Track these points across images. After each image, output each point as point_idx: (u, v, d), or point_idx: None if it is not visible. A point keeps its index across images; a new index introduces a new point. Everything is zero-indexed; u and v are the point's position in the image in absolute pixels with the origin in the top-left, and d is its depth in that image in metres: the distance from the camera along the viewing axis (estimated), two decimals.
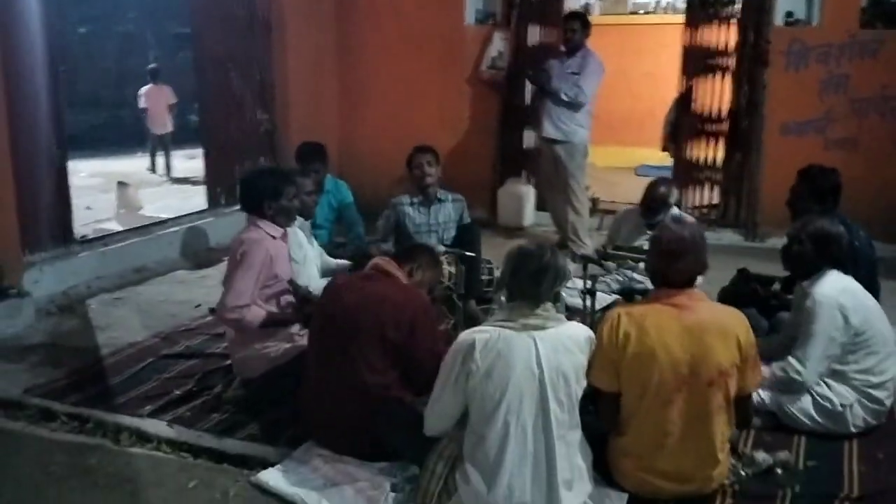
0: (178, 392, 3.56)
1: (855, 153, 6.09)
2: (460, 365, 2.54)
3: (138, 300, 4.91)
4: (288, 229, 3.84)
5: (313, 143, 4.92)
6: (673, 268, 2.62)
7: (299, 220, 4.09)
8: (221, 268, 5.50)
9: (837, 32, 6.12)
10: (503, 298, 2.72)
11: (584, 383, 2.59)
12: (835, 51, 6.13)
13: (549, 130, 5.88)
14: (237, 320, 3.30)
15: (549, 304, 2.58)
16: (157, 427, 3.26)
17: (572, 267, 4.50)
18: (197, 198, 7.10)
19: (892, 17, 6.03)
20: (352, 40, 7.32)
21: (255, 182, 3.50)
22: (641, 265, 4.46)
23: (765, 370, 3.18)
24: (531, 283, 2.55)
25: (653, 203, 4.38)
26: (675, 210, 4.56)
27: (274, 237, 3.43)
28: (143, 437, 3.20)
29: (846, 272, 3.26)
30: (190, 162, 11.65)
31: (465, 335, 2.60)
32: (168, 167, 10.75)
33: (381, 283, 2.97)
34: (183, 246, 5.85)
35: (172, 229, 5.89)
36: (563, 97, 5.73)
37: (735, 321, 2.65)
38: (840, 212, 3.81)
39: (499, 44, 6.81)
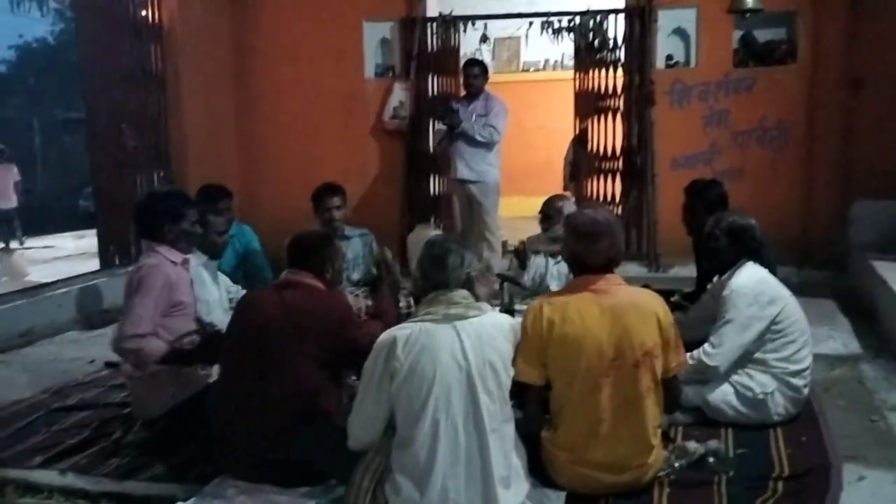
0: (71, 441, 3.23)
1: (740, 182, 6.42)
2: (383, 365, 2.41)
3: (24, 361, 4.52)
4: (192, 270, 3.63)
5: (217, 185, 4.76)
6: (590, 251, 2.62)
7: (204, 258, 3.88)
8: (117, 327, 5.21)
9: (714, 72, 6.55)
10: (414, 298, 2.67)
11: (511, 373, 2.50)
12: (713, 88, 6.55)
13: (463, 172, 6.00)
14: (136, 350, 3.04)
15: (465, 292, 2.51)
16: (48, 476, 2.94)
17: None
18: (88, 265, 6.75)
19: (761, 56, 6.52)
20: (251, 94, 7.26)
21: (154, 204, 3.28)
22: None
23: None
24: (437, 267, 2.50)
25: (550, 211, 4.49)
26: None
27: (174, 262, 3.21)
28: (32, 489, 2.87)
29: (761, 262, 3.35)
30: (79, 241, 11.25)
31: (385, 334, 2.48)
32: (7, 243, 11.31)
33: (298, 292, 2.82)
34: (76, 307, 5.46)
35: (62, 290, 5.51)
36: (479, 138, 5.88)
37: (653, 300, 2.67)
38: None
39: (400, 94, 6.91)
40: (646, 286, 4.42)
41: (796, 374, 3.26)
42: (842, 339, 4.56)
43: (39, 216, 14.70)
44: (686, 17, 6.58)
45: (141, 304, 3.04)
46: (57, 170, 19.26)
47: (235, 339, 2.84)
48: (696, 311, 3.62)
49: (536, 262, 4.59)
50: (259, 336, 2.74)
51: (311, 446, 2.67)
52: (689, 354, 3.23)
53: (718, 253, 3.37)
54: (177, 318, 3.18)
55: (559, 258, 4.50)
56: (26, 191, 18.00)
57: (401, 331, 2.44)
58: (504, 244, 6.87)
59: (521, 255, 4.49)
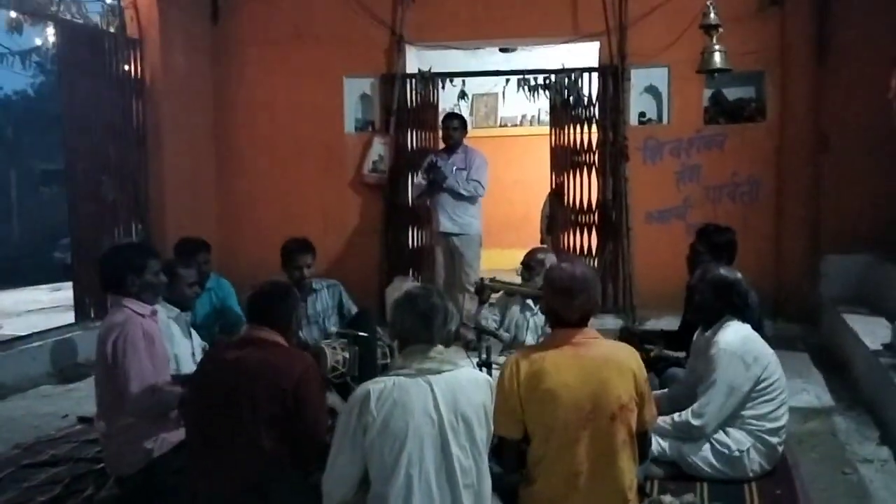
0: (42, 499, 3.20)
1: None
2: (356, 419, 2.40)
3: None
4: (162, 323, 3.61)
5: (194, 237, 4.79)
6: (568, 305, 2.67)
7: (175, 311, 3.86)
8: (91, 381, 5.09)
9: (685, 129, 6.74)
10: (395, 349, 2.66)
11: (490, 428, 2.51)
12: (685, 144, 6.73)
13: (447, 225, 6.13)
14: (155, 404, 3.02)
15: (441, 347, 2.53)
16: None
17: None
18: (62, 317, 6.69)
19: (731, 114, 6.73)
20: (231, 147, 7.34)
21: (115, 258, 3.28)
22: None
23: (665, 418, 3.25)
24: (422, 324, 2.50)
25: (532, 262, 4.54)
26: None
27: (142, 315, 3.18)
28: None
29: (744, 319, 3.39)
30: (54, 293, 11.10)
31: (359, 388, 2.48)
32: None
33: (258, 350, 2.77)
34: (50, 361, 5.40)
35: (36, 344, 5.46)
36: (464, 193, 6.03)
37: (629, 355, 2.71)
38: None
39: (379, 148, 7.02)
40: (625, 328, 4.51)
41: (772, 431, 3.30)
42: (815, 392, 4.62)
43: (14, 267, 14.53)
44: (658, 76, 6.79)
45: (135, 361, 3.02)
46: (33, 221, 19.12)
47: (197, 400, 2.81)
48: (684, 383, 3.62)
49: (513, 314, 4.63)
50: (217, 400, 2.70)
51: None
52: (676, 414, 3.29)
53: (702, 306, 3.42)
54: (160, 368, 3.16)
55: (535, 311, 4.54)
56: (1, 241, 17.84)
57: (374, 385, 2.44)
58: None
59: (480, 291, 4.54)
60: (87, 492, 3.22)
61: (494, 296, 4.78)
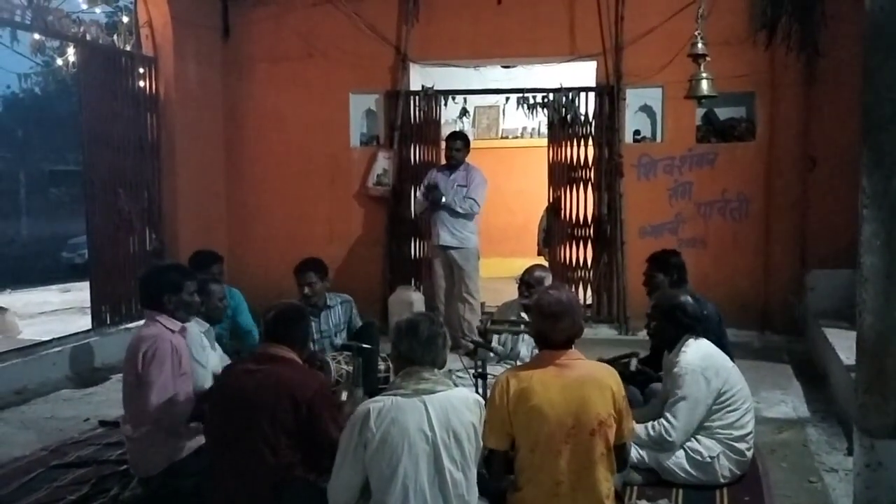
0: (71, 498, 3.47)
1: (703, 250, 6.85)
2: (357, 435, 2.66)
3: (22, 418, 4.73)
4: (191, 332, 3.89)
5: (208, 251, 5.05)
6: (554, 329, 2.92)
7: (206, 325, 4.13)
8: (109, 385, 5.45)
9: (678, 147, 7.00)
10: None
11: (478, 444, 2.76)
12: (678, 162, 6.99)
13: (446, 239, 6.39)
14: (170, 415, 3.28)
15: (436, 370, 2.80)
16: None
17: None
18: (78, 322, 6.98)
19: (722, 133, 6.99)
20: (240, 161, 7.63)
21: (155, 277, 3.58)
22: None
23: (640, 429, 3.52)
24: (427, 349, 2.76)
25: (531, 280, 4.75)
26: None
27: (172, 331, 3.46)
28: None
29: (700, 334, 3.67)
30: (65, 295, 11.37)
31: (360, 406, 2.74)
32: None
33: (275, 365, 3.02)
34: (68, 365, 5.68)
35: (56, 349, 5.74)
36: (460, 210, 6.29)
37: (608, 375, 2.97)
38: (690, 288, 4.32)
39: (383, 162, 7.30)
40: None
41: (739, 438, 3.57)
42: (792, 404, 4.87)
43: (23, 267, 14.84)
44: (652, 96, 7.05)
45: (159, 372, 3.30)
46: (42, 221, 19.45)
47: (218, 411, 3.06)
48: (658, 401, 3.87)
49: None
50: (238, 411, 2.94)
51: None
52: (649, 425, 3.56)
53: (659, 331, 3.73)
54: (181, 381, 3.42)
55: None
56: (10, 241, 18.16)
57: (374, 404, 2.70)
58: (482, 305, 7.19)
59: (483, 334, 4.68)
60: (113, 492, 3.49)
61: (491, 305, 4.98)
